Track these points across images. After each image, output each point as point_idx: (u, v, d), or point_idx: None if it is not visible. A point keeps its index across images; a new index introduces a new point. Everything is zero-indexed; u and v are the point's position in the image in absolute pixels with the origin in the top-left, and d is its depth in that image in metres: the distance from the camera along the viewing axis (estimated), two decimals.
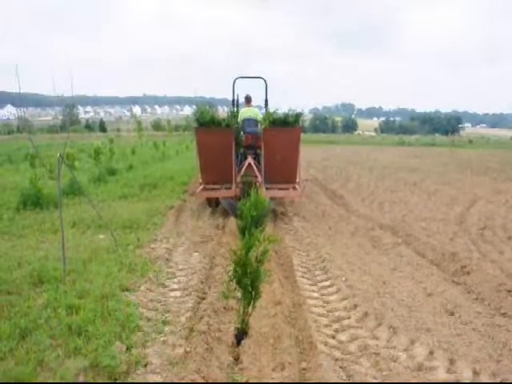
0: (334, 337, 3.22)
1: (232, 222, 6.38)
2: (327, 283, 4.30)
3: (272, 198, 6.94)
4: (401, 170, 14.45)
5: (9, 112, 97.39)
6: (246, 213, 3.11)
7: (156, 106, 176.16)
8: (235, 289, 3.11)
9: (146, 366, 2.69)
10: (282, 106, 8.88)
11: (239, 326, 3.18)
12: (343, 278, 4.37)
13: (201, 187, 7.09)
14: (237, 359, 2.91)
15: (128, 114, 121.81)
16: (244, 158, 7.59)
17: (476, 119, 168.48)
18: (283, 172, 6.91)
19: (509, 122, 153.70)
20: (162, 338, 3.04)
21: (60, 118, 64.68)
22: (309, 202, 8.81)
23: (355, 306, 3.72)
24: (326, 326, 3.37)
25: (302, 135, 7.78)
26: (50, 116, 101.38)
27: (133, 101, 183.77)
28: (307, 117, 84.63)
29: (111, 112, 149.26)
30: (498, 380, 2.72)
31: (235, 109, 8.23)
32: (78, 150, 16.31)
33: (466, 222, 7.04)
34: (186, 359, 2.76)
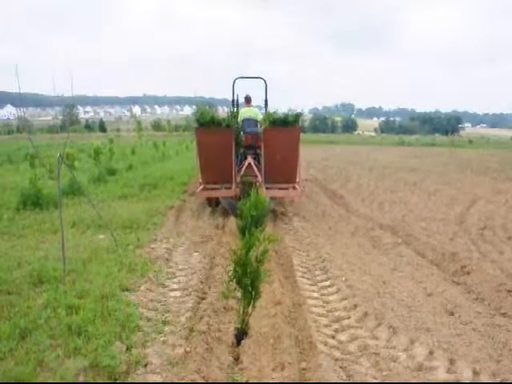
0: (333, 337, 3.22)
1: (232, 222, 6.38)
2: (327, 283, 4.30)
3: (272, 198, 6.95)
4: (401, 170, 14.46)
5: (9, 112, 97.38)
6: (245, 213, 3.12)
7: (156, 106, 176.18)
8: (235, 289, 3.11)
9: (145, 366, 2.69)
10: (281, 105, 8.89)
11: (239, 325, 3.18)
12: (343, 278, 4.37)
13: (201, 187, 7.10)
14: (237, 359, 2.91)
15: (128, 114, 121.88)
16: (244, 157, 7.59)
17: (476, 119, 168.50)
18: (283, 172, 6.91)
19: (509, 121, 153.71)
20: (161, 338, 3.04)
21: (60, 118, 64.70)
22: (309, 201, 8.81)
23: (355, 305, 3.72)
24: (326, 325, 3.37)
25: (302, 135, 7.79)
26: (49, 116, 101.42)
27: (133, 101, 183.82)
28: (307, 117, 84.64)
29: (111, 112, 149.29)
30: (497, 380, 2.72)
31: (235, 109, 8.24)
32: (77, 150, 16.31)
33: (466, 222, 7.04)
34: (186, 359, 2.76)
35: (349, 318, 3.53)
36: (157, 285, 4.07)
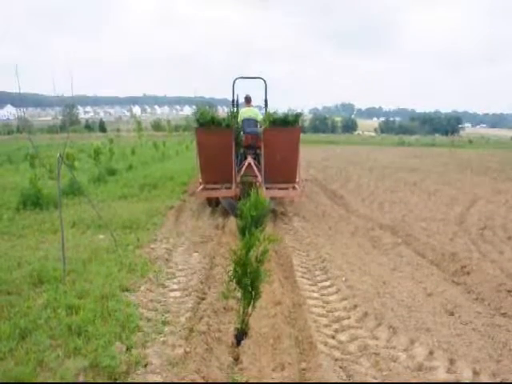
0: (333, 337, 3.22)
1: (232, 222, 6.38)
2: (327, 283, 4.30)
3: (272, 198, 6.95)
4: (401, 170, 14.46)
5: (9, 112, 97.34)
6: (245, 213, 3.12)
7: (156, 106, 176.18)
8: (235, 289, 3.11)
9: (145, 366, 2.69)
10: (281, 105, 8.89)
11: (239, 326, 3.18)
12: (343, 278, 4.37)
13: (201, 187, 7.10)
14: (237, 359, 2.91)
15: (128, 114, 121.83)
16: (244, 157, 7.59)
17: (476, 119, 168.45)
18: (283, 172, 6.91)
19: (509, 121, 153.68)
20: (161, 339, 3.03)
21: (60, 118, 64.66)
22: (309, 202, 8.81)
23: (355, 306, 3.72)
24: (326, 326, 3.37)
25: (302, 135, 7.79)
26: (49, 116, 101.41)
27: (133, 101, 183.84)
28: (307, 117, 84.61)
29: (111, 112, 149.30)
30: (497, 380, 2.72)
31: (235, 109, 8.24)
32: (77, 150, 16.30)
33: (466, 222, 7.04)
34: (186, 359, 2.76)
35: (349, 318, 3.53)
36: (157, 285, 4.07)
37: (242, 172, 7.27)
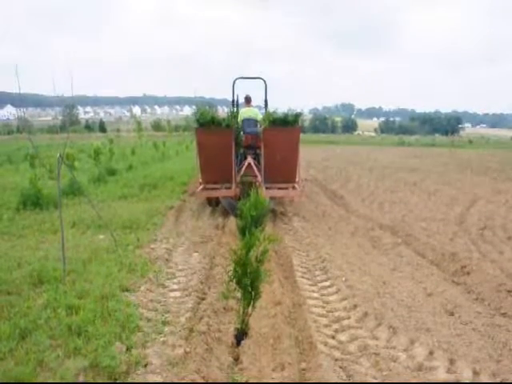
0: (333, 337, 3.22)
1: (232, 222, 6.38)
2: (327, 283, 4.30)
3: (272, 198, 6.96)
4: (401, 170, 14.45)
5: (9, 112, 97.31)
6: (245, 212, 3.12)
7: (156, 107, 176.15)
8: (235, 289, 3.10)
9: (145, 366, 2.69)
10: (281, 106, 8.89)
11: (239, 326, 3.18)
12: (343, 279, 4.37)
13: (201, 187, 7.10)
14: (237, 359, 2.91)
15: (128, 114, 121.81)
16: (244, 157, 7.60)
17: (476, 119, 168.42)
18: (283, 172, 6.91)
19: (509, 121, 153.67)
20: (161, 339, 3.03)
21: (60, 118, 64.74)
22: (309, 202, 8.81)
23: (355, 306, 3.72)
24: (326, 326, 3.37)
25: (302, 135, 7.79)
26: (49, 116, 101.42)
27: (133, 101, 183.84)
28: (307, 117, 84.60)
29: (111, 112, 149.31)
30: (497, 380, 2.72)
31: (235, 109, 8.24)
32: (77, 150, 16.30)
33: (466, 222, 7.04)
34: (186, 359, 2.76)
35: (349, 318, 3.53)
36: (157, 285, 4.07)
37: (242, 172, 7.28)
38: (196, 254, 5.13)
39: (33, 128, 43.87)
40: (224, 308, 3.66)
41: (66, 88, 6.05)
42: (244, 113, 7.82)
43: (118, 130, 45.82)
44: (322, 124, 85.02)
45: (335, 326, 3.40)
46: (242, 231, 3.08)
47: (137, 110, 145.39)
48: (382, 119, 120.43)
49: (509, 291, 4.15)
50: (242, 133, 7.63)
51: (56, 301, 3.41)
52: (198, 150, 6.84)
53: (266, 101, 8.51)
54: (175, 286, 4.10)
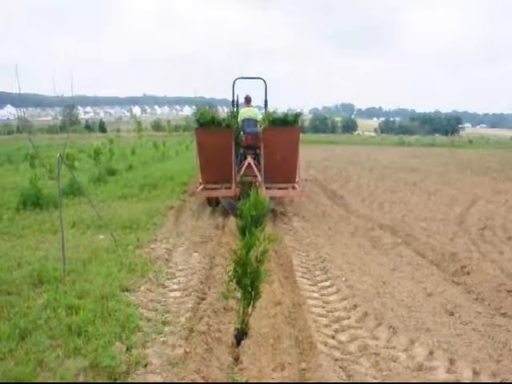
0: (333, 337, 3.22)
1: (232, 222, 6.38)
2: (327, 283, 4.30)
3: (272, 198, 6.96)
4: (401, 170, 14.46)
5: (9, 112, 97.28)
6: (245, 213, 3.12)
7: (156, 107, 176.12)
8: (235, 289, 3.10)
9: (145, 366, 2.69)
10: (281, 106, 8.89)
11: (239, 326, 3.18)
12: (343, 279, 4.37)
13: (201, 187, 7.11)
14: (237, 359, 2.91)
15: (128, 114, 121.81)
16: (244, 157, 7.60)
17: (476, 119, 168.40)
18: (283, 172, 6.91)
19: (509, 121, 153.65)
20: (161, 339, 3.03)
21: (60, 118, 64.71)
22: (309, 202, 8.81)
23: (355, 306, 3.72)
24: (326, 326, 3.37)
25: (302, 135, 7.79)
26: (49, 116, 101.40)
27: (133, 101, 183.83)
28: (307, 117, 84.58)
29: (111, 112, 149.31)
30: (497, 380, 2.72)
31: (235, 109, 8.25)
32: (77, 150, 16.30)
33: (466, 222, 7.04)
34: (186, 359, 2.76)
35: (349, 318, 3.53)
36: (157, 285, 4.07)
37: (242, 172, 7.28)
38: (196, 254, 5.13)
39: (33, 128, 43.86)
40: (224, 308, 3.66)
41: (66, 88, 6.05)
42: (244, 113, 7.82)
43: (118, 130, 45.81)
44: (321, 124, 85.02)
45: (335, 326, 3.40)
46: (242, 231, 3.08)
47: (137, 110, 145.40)
48: (382, 119, 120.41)
49: (509, 291, 4.15)
50: (241, 133, 7.64)
51: (56, 301, 3.41)
52: (198, 150, 6.85)
53: (265, 101, 8.52)
54: (175, 286, 4.10)
